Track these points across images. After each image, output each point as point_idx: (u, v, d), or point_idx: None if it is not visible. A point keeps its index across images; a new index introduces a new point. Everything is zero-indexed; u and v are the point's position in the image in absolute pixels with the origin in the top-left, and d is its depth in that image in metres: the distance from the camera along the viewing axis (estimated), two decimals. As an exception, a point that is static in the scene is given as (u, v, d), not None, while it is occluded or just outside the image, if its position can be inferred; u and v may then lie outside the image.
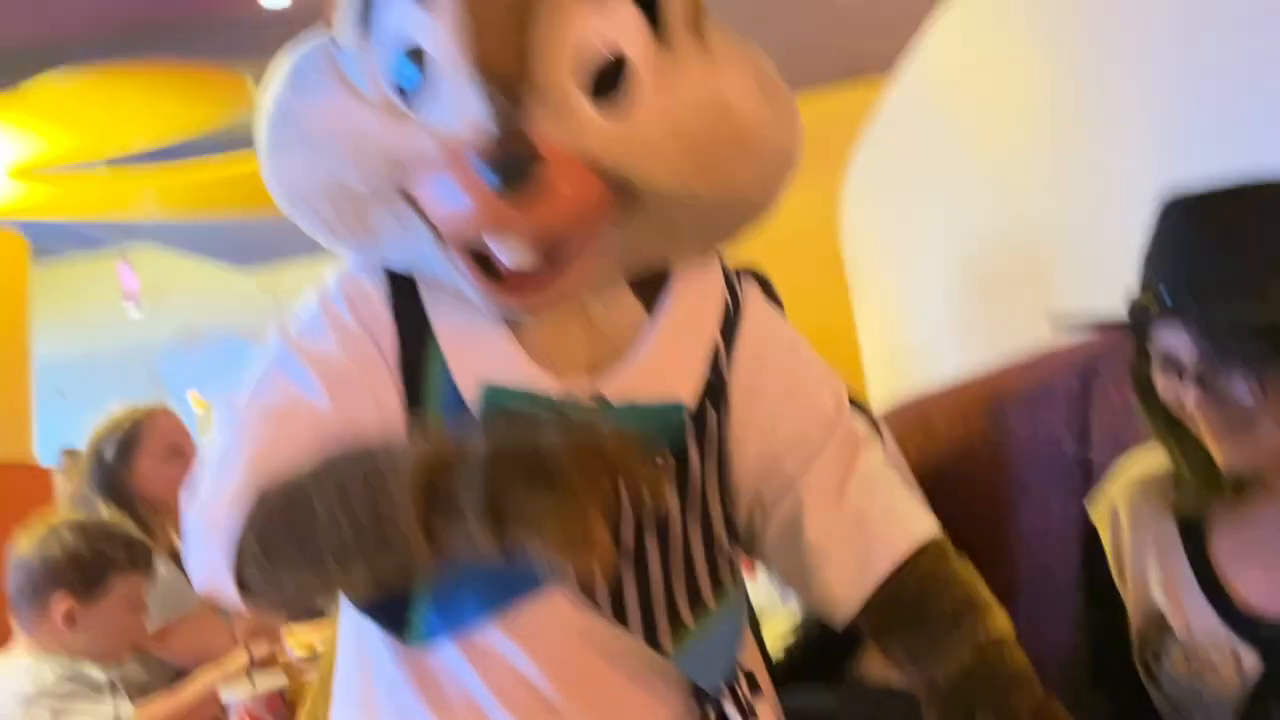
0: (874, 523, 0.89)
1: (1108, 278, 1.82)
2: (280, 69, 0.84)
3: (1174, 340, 0.95)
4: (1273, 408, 0.90)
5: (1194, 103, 1.62)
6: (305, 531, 0.68)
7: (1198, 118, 1.62)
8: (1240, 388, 0.90)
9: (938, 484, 1.76)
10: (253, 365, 0.86)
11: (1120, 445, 1.45)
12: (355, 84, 0.81)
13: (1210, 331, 0.91)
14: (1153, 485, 1.08)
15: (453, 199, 0.74)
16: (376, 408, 0.81)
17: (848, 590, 0.88)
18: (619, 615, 0.82)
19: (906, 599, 0.87)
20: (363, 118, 0.79)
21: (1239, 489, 0.99)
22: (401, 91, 0.78)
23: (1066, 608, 1.47)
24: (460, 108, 0.74)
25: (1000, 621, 0.87)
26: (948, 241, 2.52)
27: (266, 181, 0.85)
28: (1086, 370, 1.55)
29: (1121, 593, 1.08)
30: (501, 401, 0.80)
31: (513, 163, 0.70)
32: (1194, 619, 0.99)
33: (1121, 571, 1.08)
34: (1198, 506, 1.02)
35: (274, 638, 2.01)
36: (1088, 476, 1.51)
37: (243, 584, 0.74)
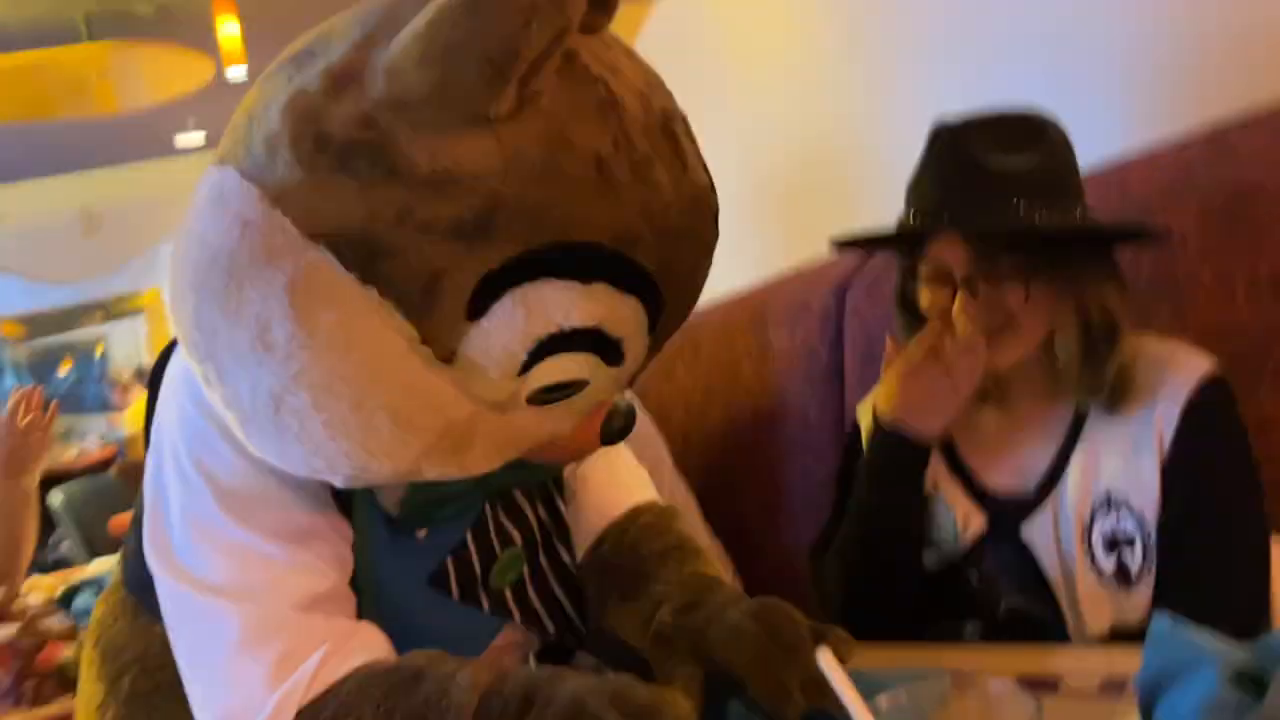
0: (604, 488, 0.99)
1: (870, 197, 1.93)
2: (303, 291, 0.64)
3: (947, 253, 1.04)
4: (1031, 312, 1.03)
5: (963, 31, 1.72)
6: None
7: (963, 45, 1.72)
8: (1009, 294, 1.02)
9: (707, 400, 1.84)
10: (173, 516, 0.78)
11: (870, 354, 1.56)
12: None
13: (985, 242, 1.02)
14: None
15: (561, 449, 0.78)
16: (337, 541, 0.80)
17: (577, 542, 0.97)
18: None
19: (626, 545, 0.95)
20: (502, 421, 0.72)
21: (982, 395, 1.11)
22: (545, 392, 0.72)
23: (821, 507, 1.58)
24: (595, 403, 0.75)
25: (713, 566, 0.94)
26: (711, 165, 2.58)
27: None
28: (840, 286, 1.65)
29: None
30: (423, 495, 0.81)
31: (627, 429, 0.79)
32: (944, 491, 1.14)
33: None
34: None
35: (11, 585, 1.89)
36: (841, 384, 1.62)
37: None
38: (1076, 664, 0.89)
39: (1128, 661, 0.74)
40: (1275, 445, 1.16)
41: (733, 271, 2.44)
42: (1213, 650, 0.67)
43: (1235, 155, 1.22)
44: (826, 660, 0.53)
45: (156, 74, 4.60)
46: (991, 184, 1.01)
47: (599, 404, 0.75)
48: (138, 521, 0.85)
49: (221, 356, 0.68)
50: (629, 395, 0.82)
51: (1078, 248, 1.05)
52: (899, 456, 1.10)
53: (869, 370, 1.56)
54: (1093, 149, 1.37)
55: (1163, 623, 0.69)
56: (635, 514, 0.98)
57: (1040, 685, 0.83)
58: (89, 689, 0.95)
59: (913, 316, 1.10)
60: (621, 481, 1.01)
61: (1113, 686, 0.81)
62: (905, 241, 1.12)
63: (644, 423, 1.71)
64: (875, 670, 0.82)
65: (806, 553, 1.29)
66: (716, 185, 0.75)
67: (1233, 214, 1.19)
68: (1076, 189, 1.06)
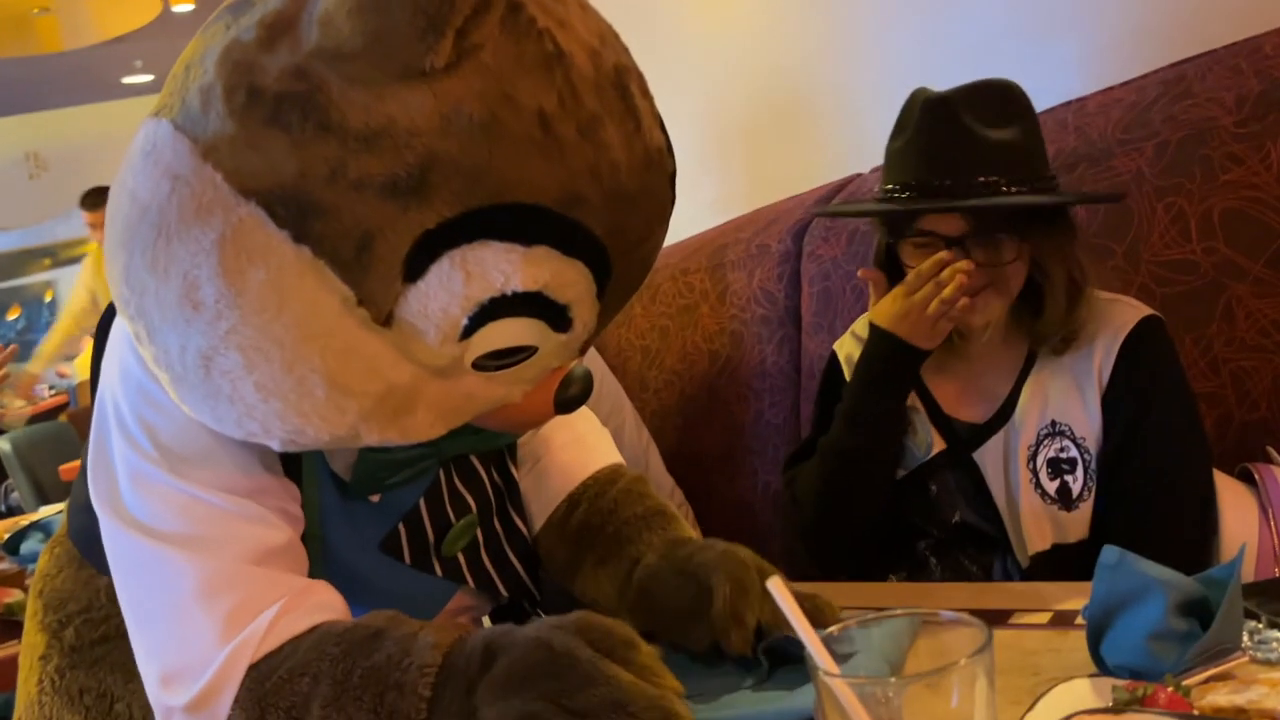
0: (569, 450, 0.98)
1: (831, 140, 1.92)
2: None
3: (942, 225, 1.09)
4: (1014, 271, 1.09)
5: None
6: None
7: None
8: (1006, 252, 1.08)
9: (664, 344, 1.83)
10: (118, 470, 0.75)
11: (826, 297, 1.56)
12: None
13: (982, 215, 1.07)
14: None
15: (512, 417, 0.75)
16: (286, 499, 0.77)
17: (540, 505, 0.96)
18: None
19: (604, 509, 0.94)
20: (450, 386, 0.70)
21: (949, 348, 1.17)
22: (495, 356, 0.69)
23: (778, 449, 1.59)
24: (546, 370, 0.73)
25: (689, 530, 0.93)
26: (670, 109, 2.55)
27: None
28: (798, 229, 1.64)
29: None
30: (375, 459, 0.79)
31: (583, 396, 0.76)
32: (914, 419, 1.21)
33: None
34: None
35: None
36: (798, 327, 1.62)
37: None
38: (1026, 598, 0.90)
39: (1077, 596, 0.75)
40: (1224, 383, 1.18)
41: (692, 214, 2.43)
42: (1160, 580, 0.68)
43: (1191, 94, 1.22)
44: (776, 586, 0.53)
45: (101, 10, 4.47)
46: (992, 157, 1.07)
47: (551, 371, 0.73)
48: (84, 475, 0.83)
49: (151, 314, 0.66)
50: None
51: (1053, 210, 1.11)
52: (892, 362, 1.15)
53: (825, 313, 1.56)
54: (1053, 94, 1.37)
55: (1111, 553, 0.70)
56: (610, 478, 0.96)
57: (991, 618, 0.83)
58: (32, 639, 0.93)
59: (897, 279, 1.14)
60: (586, 444, 1.00)
61: (1062, 620, 0.82)
62: (896, 208, 1.15)
63: (601, 369, 1.71)
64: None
65: (761, 491, 1.30)
66: (675, 127, 0.72)
67: (1187, 153, 1.20)
68: (1045, 153, 1.13)
